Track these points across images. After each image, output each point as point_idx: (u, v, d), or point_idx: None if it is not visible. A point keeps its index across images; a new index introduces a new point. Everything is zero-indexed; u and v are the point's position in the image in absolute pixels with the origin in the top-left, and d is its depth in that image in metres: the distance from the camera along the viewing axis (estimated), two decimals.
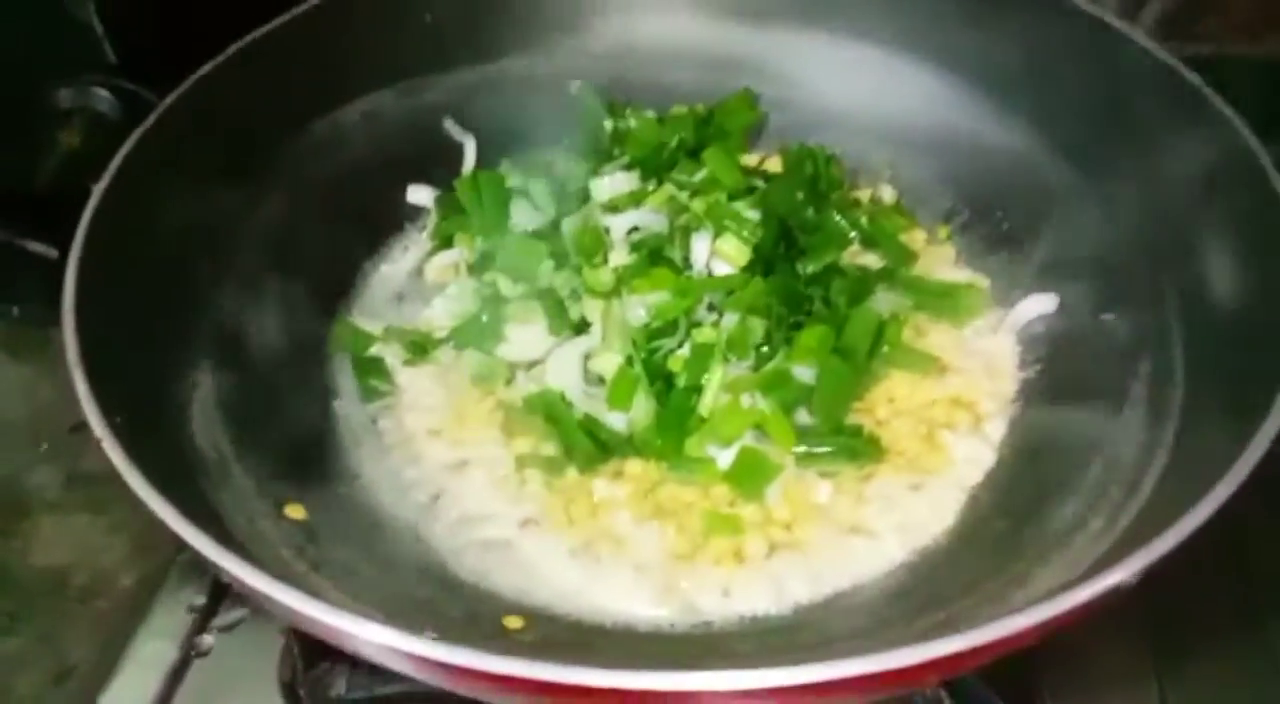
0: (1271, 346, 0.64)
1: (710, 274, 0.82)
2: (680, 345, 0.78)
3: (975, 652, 0.51)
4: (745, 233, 0.82)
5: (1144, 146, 0.82)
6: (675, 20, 1.02)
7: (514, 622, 0.68)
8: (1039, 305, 0.85)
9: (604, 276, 0.80)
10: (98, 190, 0.74)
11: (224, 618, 0.82)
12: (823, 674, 0.49)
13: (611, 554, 0.74)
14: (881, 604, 0.71)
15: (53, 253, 0.76)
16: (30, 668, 0.89)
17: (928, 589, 0.72)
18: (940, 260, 0.92)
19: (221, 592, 0.83)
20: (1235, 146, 0.74)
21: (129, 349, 0.70)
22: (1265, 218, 0.71)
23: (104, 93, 0.85)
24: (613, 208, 0.85)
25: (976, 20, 0.91)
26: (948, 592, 0.70)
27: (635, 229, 0.84)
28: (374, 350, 0.85)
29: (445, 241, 0.92)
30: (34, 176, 0.82)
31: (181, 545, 0.65)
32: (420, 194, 0.95)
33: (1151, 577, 0.56)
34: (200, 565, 0.81)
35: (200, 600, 0.83)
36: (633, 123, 0.97)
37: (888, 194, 0.96)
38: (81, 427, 0.92)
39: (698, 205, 0.84)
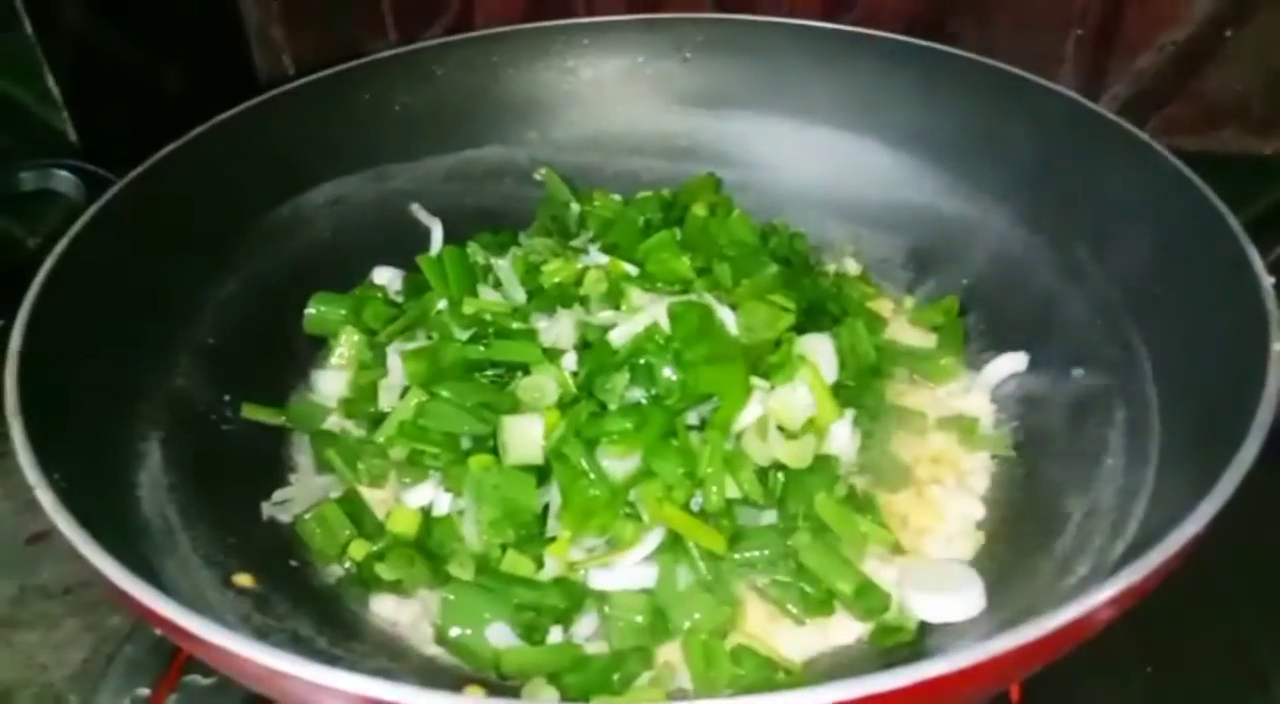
0: (1240, 383, 0.64)
1: None
2: None
3: (946, 681, 0.48)
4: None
5: (1100, 206, 0.83)
6: (638, 111, 1.05)
7: (476, 690, 0.64)
8: (1010, 365, 0.85)
9: None
10: (51, 258, 0.73)
11: None
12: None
13: None
14: (863, 665, 0.68)
15: None
16: None
17: (907, 649, 0.68)
18: (907, 328, 0.92)
19: (166, 685, 0.78)
20: (1191, 199, 0.76)
21: (74, 414, 0.68)
22: (1225, 263, 0.71)
23: (66, 175, 0.85)
24: None
25: (924, 98, 0.95)
26: (929, 649, 0.67)
27: None
28: (331, 424, 0.83)
29: (413, 322, 0.91)
30: None
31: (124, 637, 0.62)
32: (386, 274, 0.95)
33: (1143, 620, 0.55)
34: (140, 661, 0.79)
35: (144, 692, 0.78)
36: (598, 204, 0.98)
37: (852, 267, 0.96)
38: (39, 538, 0.88)
39: None
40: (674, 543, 0.70)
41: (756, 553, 0.71)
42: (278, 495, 0.78)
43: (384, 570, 0.71)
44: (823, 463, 0.74)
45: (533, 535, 0.71)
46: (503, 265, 0.88)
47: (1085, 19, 1.17)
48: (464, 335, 0.79)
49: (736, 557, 0.71)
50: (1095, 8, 1.16)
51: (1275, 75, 1.17)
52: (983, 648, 0.49)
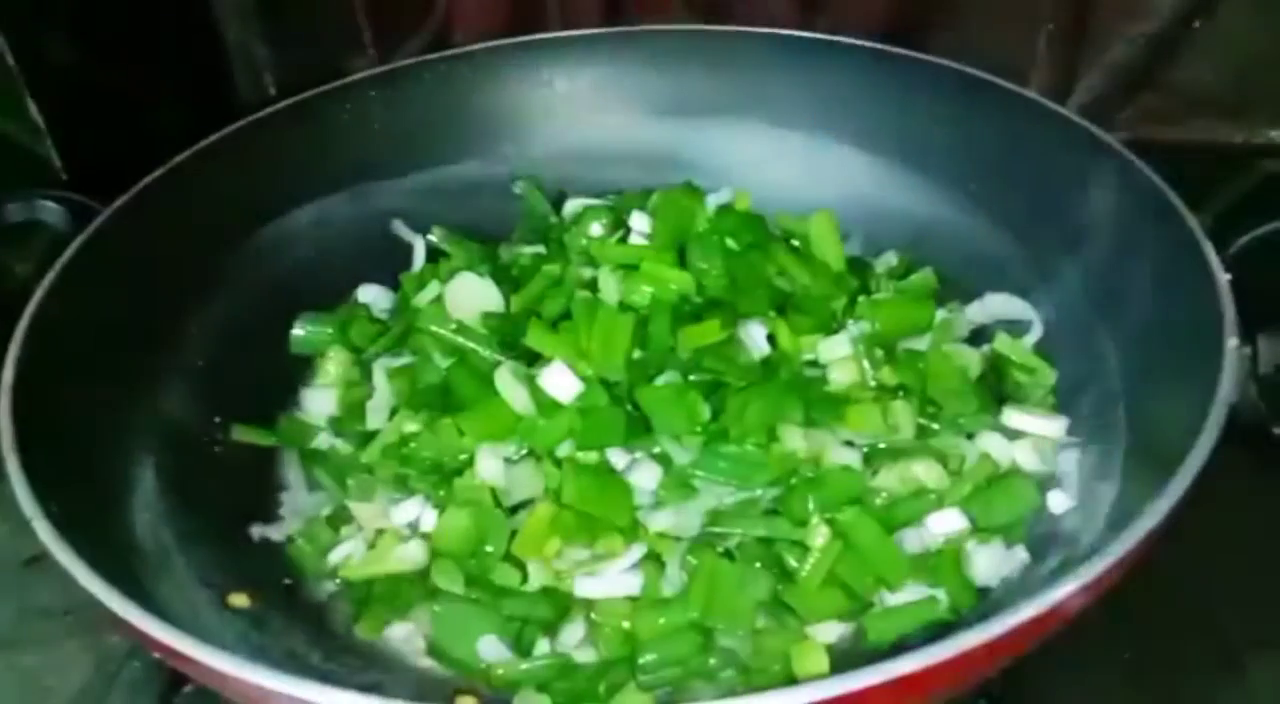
0: (1198, 379, 0.65)
1: None
2: None
3: (920, 677, 0.50)
4: None
5: (1066, 206, 0.85)
6: (614, 123, 1.06)
7: (467, 700, 0.66)
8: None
9: None
10: (40, 288, 0.74)
11: None
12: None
13: None
14: (843, 663, 0.69)
15: None
16: None
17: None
18: None
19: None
20: (1151, 197, 0.77)
21: (68, 443, 0.70)
22: (1184, 261, 0.72)
23: (52, 205, 0.86)
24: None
25: (896, 102, 0.97)
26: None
27: None
28: (321, 442, 0.85)
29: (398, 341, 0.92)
30: None
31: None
32: (371, 293, 0.97)
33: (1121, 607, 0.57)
34: (141, 680, 0.80)
35: None
36: None
37: None
38: (36, 559, 0.90)
39: None
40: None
41: None
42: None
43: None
44: None
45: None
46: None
47: (1056, 15, 1.18)
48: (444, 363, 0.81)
49: None
50: (1065, 3, 1.18)
51: (1244, 64, 1.19)
52: (952, 644, 0.51)
